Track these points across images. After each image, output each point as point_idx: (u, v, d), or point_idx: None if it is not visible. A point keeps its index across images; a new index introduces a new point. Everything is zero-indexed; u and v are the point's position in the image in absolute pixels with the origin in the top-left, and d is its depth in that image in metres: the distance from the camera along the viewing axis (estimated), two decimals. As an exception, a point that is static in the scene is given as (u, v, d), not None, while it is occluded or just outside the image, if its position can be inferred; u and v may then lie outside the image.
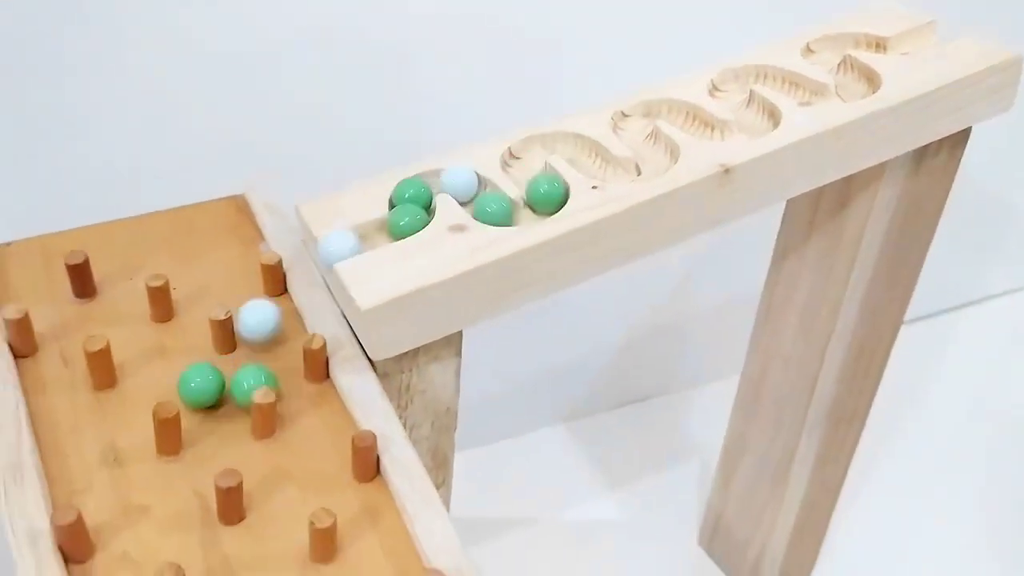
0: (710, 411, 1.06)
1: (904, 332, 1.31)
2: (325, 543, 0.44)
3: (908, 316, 1.37)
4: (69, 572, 0.43)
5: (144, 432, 0.50)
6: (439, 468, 0.63)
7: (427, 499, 0.47)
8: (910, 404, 1.24)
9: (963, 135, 0.71)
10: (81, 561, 0.44)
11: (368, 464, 0.48)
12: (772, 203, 0.63)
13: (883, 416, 1.20)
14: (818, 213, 0.76)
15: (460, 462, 0.68)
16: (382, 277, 0.52)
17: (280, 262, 0.58)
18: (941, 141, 0.70)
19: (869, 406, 0.88)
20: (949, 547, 1.07)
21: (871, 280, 0.76)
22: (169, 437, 0.49)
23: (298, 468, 0.49)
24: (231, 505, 0.46)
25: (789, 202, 0.79)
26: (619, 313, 1.18)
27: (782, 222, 0.81)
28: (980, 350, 1.33)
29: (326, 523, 0.43)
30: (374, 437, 0.48)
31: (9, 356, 0.52)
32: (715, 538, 1.03)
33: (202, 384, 0.50)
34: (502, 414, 1.18)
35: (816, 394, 0.83)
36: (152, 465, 0.49)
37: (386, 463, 0.49)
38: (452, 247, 0.54)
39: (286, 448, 0.50)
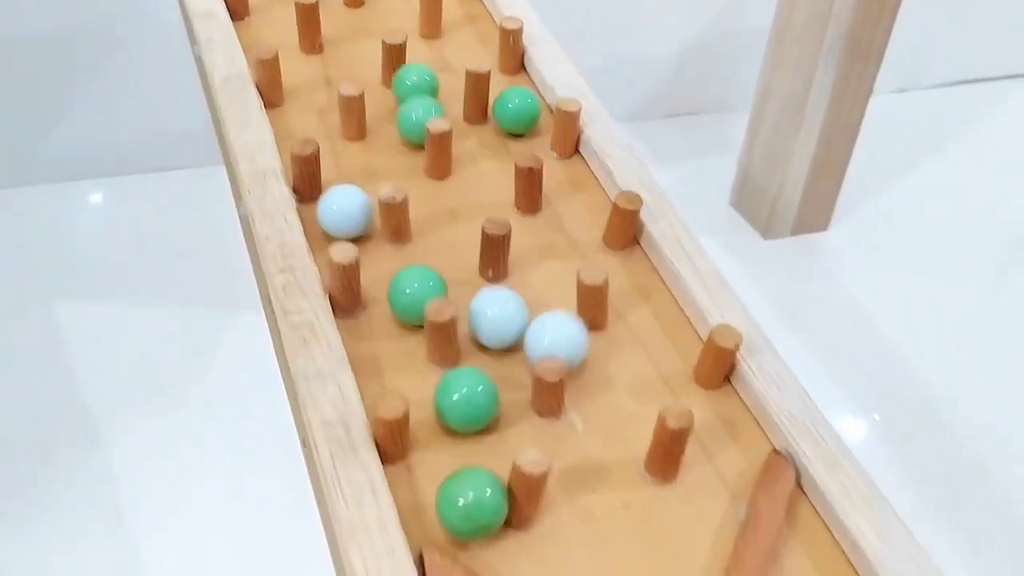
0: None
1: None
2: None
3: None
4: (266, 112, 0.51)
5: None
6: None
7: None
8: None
9: None
10: (276, 105, 0.51)
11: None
12: None
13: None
14: None
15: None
16: None
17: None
18: None
19: (883, 48, 0.98)
20: (956, 219, 1.19)
21: None
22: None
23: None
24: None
25: None
26: (678, 26, 1.28)
27: None
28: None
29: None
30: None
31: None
32: (742, 194, 1.16)
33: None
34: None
35: (832, 22, 0.93)
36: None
37: None
38: None
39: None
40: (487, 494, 0.33)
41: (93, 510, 0.84)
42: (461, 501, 0.33)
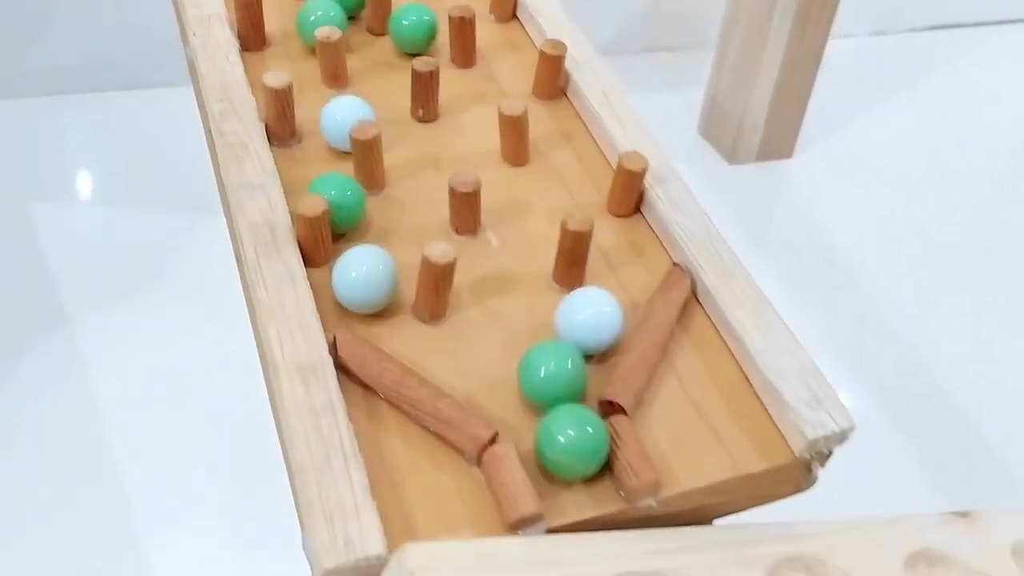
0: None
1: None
2: None
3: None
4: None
5: None
6: None
7: None
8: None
9: None
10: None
11: None
12: None
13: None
14: None
15: None
16: None
17: None
18: None
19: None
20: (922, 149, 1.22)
21: None
22: None
23: None
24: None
25: None
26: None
27: None
28: None
29: None
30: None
31: None
32: (709, 121, 1.18)
33: None
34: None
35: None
36: None
37: None
38: None
39: None
40: (589, 432, 0.33)
41: (64, 399, 0.87)
42: (561, 439, 0.33)
